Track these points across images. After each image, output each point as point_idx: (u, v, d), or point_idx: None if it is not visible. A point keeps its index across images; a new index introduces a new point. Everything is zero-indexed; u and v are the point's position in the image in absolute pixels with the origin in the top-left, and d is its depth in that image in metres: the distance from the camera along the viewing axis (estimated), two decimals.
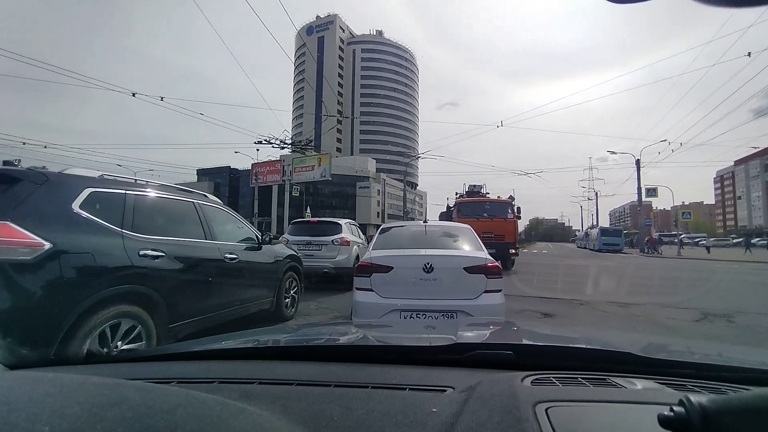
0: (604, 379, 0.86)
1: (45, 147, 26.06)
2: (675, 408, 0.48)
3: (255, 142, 20.37)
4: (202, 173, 73.90)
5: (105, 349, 2.42)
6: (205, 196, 4.04)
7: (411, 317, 3.40)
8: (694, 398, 0.46)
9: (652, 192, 31.81)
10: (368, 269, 3.64)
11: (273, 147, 20.59)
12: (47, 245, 2.17)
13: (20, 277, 2.06)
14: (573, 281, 10.26)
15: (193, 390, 0.65)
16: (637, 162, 31.29)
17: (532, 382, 0.81)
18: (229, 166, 64.01)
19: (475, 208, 14.15)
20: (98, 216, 2.59)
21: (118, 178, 2.99)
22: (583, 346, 1.20)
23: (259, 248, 4.59)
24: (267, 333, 1.66)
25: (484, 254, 3.79)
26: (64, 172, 2.69)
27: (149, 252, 2.84)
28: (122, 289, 2.55)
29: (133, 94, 14.39)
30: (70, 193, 2.49)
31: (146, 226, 2.97)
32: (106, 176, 2.89)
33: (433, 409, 0.67)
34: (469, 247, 4.05)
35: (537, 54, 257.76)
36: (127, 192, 2.91)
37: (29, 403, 0.50)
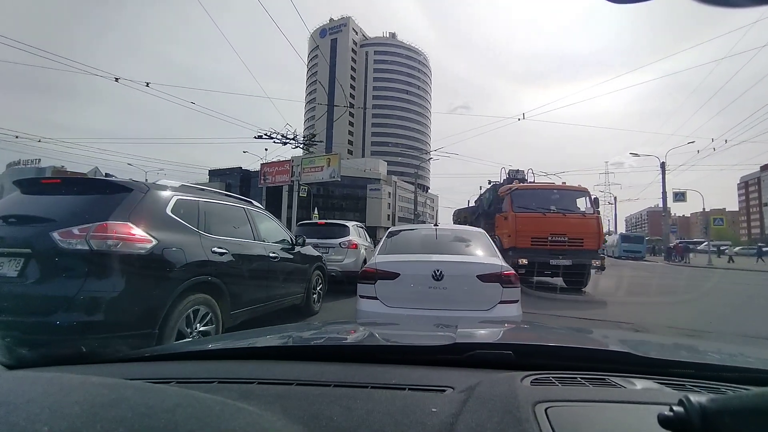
0: (604, 379, 0.87)
1: (39, 141, 25.34)
2: (675, 408, 0.48)
3: (255, 137, 19.26)
4: (213, 174, 75.24)
5: (188, 329, 3.00)
6: (251, 202, 4.63)
7: None
8: (694, 398, 0.47)
9: (681, 196, 30.17)
10: (373, 275, 3.47)
11: (274, 142, 19.68)
12: (154, 241, 2.76)
13: (138, 265, 2.66)
14: (613, 296, 8.83)
15: (193, 390, 0.66)
16: (662, 165, 29.95)
17: (531, 382, 0.82)
18: (240, 167, 65.11)
19: (538, 197, 9.82)
20: (183, 219, 3.18)
21: (193, 186, 3.60)
22: (583, 346, 1.21)
23: (293, 248, 5.16)
24: (266, 333, 1.66)
25: (499, 261, 3.60)
26: (158, 182, 3.29)
27: (217, 249, 3.42)
28: (201, 279, 3.13)
29: (116, 79, 13.35)
30: (164, 200, 3.09)
31: (213, 228, 3.56)
32: (184, 185, 3.49)
33: (433, 409, 0.68)
34: (482, 252, 3.84)
35: (551, 57, 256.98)
36: (198, 199, 3.51)
37: (28, 403, 0.50)
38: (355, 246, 8.24)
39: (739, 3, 0.40)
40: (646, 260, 30.60)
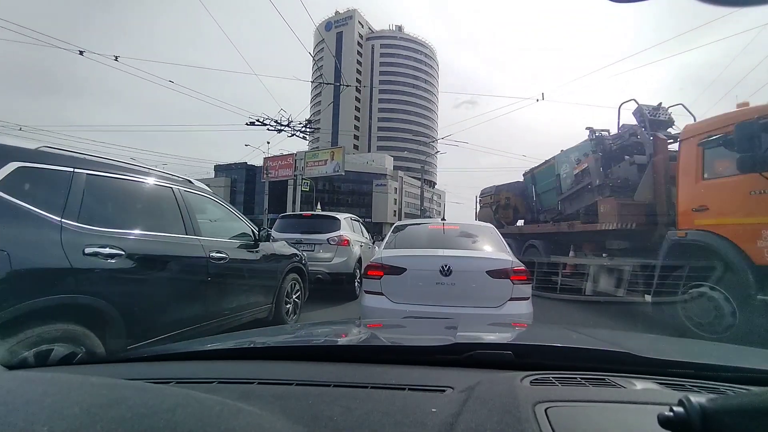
0: (604, 379, 0.86)
1: (20, 129, 23.80)
2: (675, 408, 0.48)
3: (247, 123, 17.44)
4: (219, 169, 74.56)
5: None
6: (189, 181, 3.37)
7: None
8: (694, 398, 0.47)
9: None
10: (379, 270, 3.33)
11: (268, 129, 17.87)
12: None
13: None
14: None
15: (193, 390, 0.66)
16: None
17: (531, 382, 0.81)
18: (245, 162, 64.31)
19: None
20: (26, 200, 1.94)
21: (66, 153, 2.33)
22: (583, 347, 1.17)
23: (256, 246, 3.94)
24: (266, 333, 1.64)
25: (509, 256, 3.42)
26: None
27: (101, 249, 2.18)
28: (54, 301, 1.89)
29: (81, 53, 11.64)
30: None
31: (101, 216, 2.32)
32: (46, 148, 2.23)
33: (433, 409, 0.67)
34: (492, 248, 3.67)
35: (559, 52, 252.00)
36: (75, 170, 2.25)
37: (28, 404, 0.49)
38: (347, 242, 6.84)
39: (739, 3, 0.39)
40: None
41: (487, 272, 3.20)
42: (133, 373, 0.87)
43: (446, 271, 3.19)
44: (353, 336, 1.51)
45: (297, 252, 4.91)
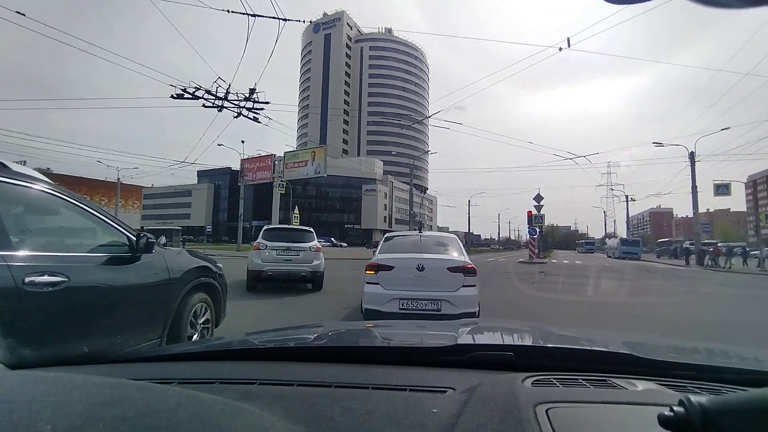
0: (605, 380, 0.87)
1: None
2: (675, 408, 0.48)
3: (173, 96, 13.02)
4: (202, 174, 72.72)
5: None
6: (3, 165, 2.36)
7: (408, 303, 4.49)
8: (694, 398, 0.47)
9: (724, 189, 25.24)
10: (376, 268, 4.77)
11: (205, 106, 13.39)
12: None
13: None
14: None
15: (194, 390, 0.67)
16: (691, 155, 25.72)
17: (532, 383, 0.82)
18: (230, 167, 62.74)
19: None
20: None
21: None
22: (584, 348, 1.20)
23: (134, 259, 2.92)
24: (268, 333, 1.62)
25: (464, 258, 4.96)
26: None
27: None
28: None
29: None
30: None
31: None
32: None
33: (434, 410, 0.68)
34: (453, 252, 5.17)
35: (552, 58, 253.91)
36: None
37: (31, 403, 0.50)
38: (320, 249, 9.00)
39: (738, 4, 0.39)
40: (679, 266, 25.78)
41: (448, 268, 4.69)
42: (135, 373, 0.88)
43: (420, 268, 4.63)
44: (354, 337, 1.54)
45: (208, 263, 3.84)
